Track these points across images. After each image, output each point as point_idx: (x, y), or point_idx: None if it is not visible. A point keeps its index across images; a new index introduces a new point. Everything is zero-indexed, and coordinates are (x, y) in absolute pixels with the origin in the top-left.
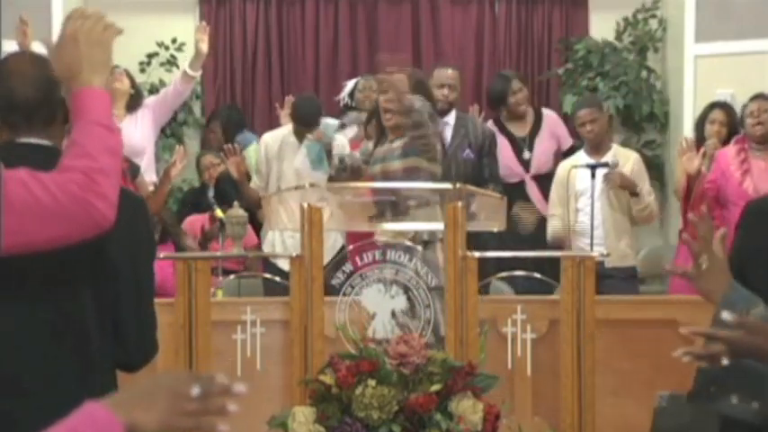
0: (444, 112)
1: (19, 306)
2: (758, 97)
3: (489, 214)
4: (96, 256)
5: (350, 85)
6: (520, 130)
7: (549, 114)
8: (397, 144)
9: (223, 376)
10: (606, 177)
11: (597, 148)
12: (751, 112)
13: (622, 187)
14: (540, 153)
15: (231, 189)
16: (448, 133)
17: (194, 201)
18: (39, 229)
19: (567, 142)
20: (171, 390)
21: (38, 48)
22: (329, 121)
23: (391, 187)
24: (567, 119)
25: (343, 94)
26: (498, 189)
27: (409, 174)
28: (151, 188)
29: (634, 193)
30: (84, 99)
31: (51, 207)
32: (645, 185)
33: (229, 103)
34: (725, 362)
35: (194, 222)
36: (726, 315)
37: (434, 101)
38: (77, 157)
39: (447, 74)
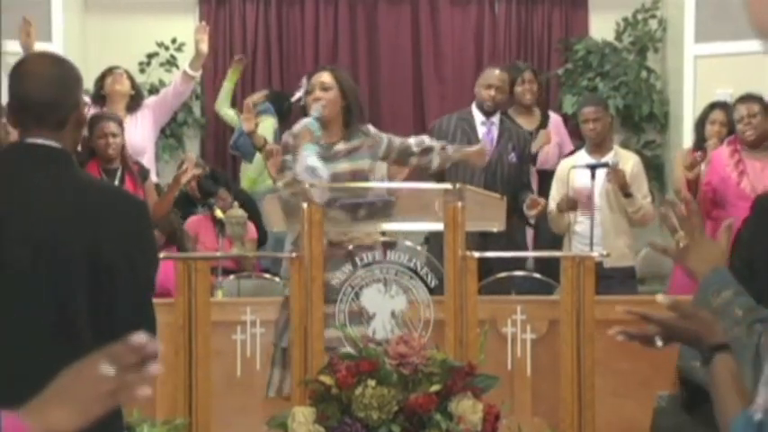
0: (490, 113)
1: (9, 305)
2: (745, 99)
3: (490, 214)
4: (91, 256)
5: (306, 83)
6: (527, 125)
7: (554, 117)
8: (341, 147)
9: (140, 336)
10: (609, 173)
11: (598, 147)
12: (741, 117)
13: (620, 187)
14: (545, 153)
15: (212, 184)
16: (494, 134)
17: (180, 208)
18: None
19: (568, 147)
20: (81, 378)
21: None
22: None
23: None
24: (567, 119)
25: (300, 94)
26: (533, 195)
27: (355, 176)
28: (153, 189)
29: (627, 195)
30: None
31: None
32: (643, 188)
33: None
34: (659, 343)
35: (195, 223)
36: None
37: (358, 101)
38: None
39: (494, 75)
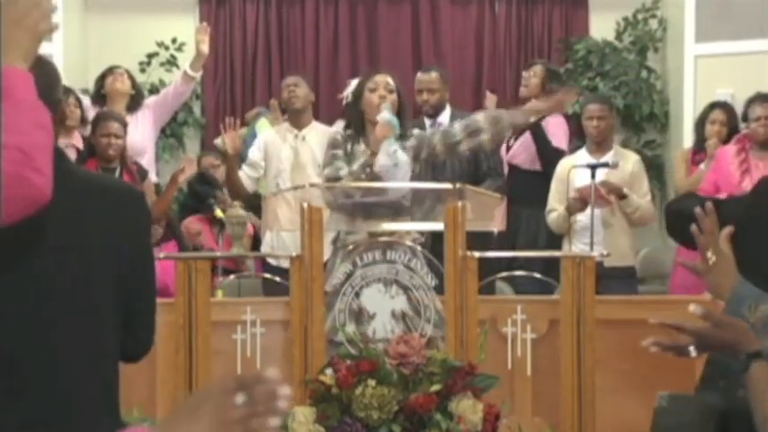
0: (430, 115)
1: (35, 306)
2: (764, 99)
3: (487, 213)
4: (101, 248)
5: (354, 83)
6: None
7: (554, 119)
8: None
9: (272, 372)
10: (602, 184)
11: (599, 146)
12: (758, 117)
13: (614, 193)
14: (519, 144)
15: (208, 188)
16: None
17: (194, 204)
18: None
19: (558, 143)
20: (215, 401)
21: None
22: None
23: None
24: (567, 118)
25: (347, 92)
26: (497, 183)
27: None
28: (152, 189)
29: (622, 196)
30: (7, 78)
31: None
32: (643, 187)
33: None
34: (693, 353)
35: (193, 224)
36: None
37: (404, 105)
38: (9, 135)
39: (423, 78)
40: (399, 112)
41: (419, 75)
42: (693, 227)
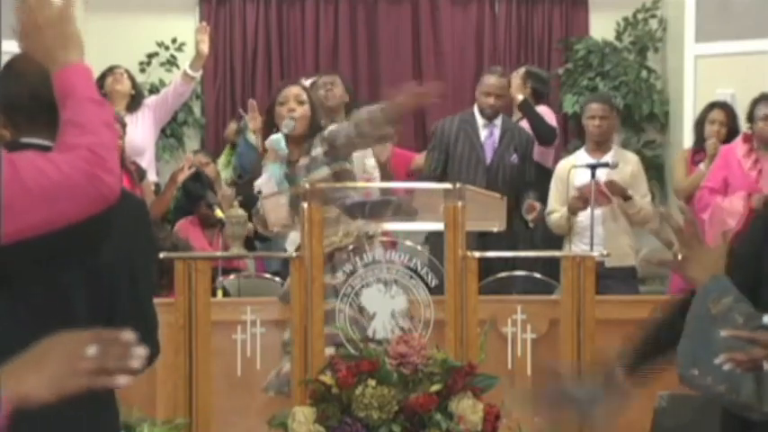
0: (490, 118)
1: (5, 306)
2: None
3: (490, 214)
4: (89, 256)
5: (307, 84)
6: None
7: (539, 109)
8: (318, 152)
9: (129, 334)
10: (606, 185)
11: (599, 146)
12: (765, 116)
13: (619, 194)
14: None
15: (199, 187)
16: (496, 136)
17: (187, 204)
18: (52, 208)
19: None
20: (63, 350)
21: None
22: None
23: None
24: (566, 118)
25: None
26: (537, 194)
27: (339, 177)
28: (151, 188)
29: (626, 197)
30: (68, 78)
31: (63, 185)
32: (642, 188)
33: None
34: (766, 367)
35: (183, 229)
36: (766, 319)
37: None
38: (80, 135)
39: (491, 83)
40: (312, 123)
41: (488, 77)
42: (650, 227)
